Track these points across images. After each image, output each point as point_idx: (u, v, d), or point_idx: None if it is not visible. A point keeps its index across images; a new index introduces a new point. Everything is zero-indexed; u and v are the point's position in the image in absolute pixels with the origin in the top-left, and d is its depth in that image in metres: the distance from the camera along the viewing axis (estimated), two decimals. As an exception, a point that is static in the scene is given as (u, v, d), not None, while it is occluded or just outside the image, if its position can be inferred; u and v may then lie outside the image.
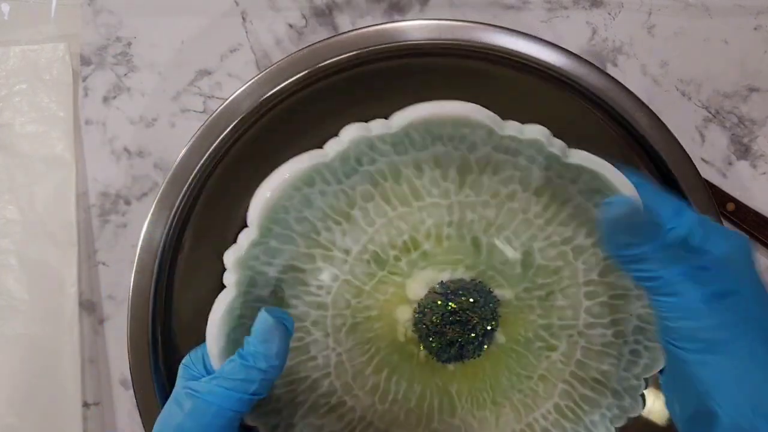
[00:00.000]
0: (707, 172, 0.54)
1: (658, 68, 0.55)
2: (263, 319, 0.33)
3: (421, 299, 0.38)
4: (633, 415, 0.39)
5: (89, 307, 0.53)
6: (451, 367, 0.39)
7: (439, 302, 0.38)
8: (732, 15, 0.56)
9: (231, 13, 0.55)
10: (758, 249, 0.54)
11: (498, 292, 0.39)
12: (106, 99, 0.54)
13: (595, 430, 0.39)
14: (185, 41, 0.55)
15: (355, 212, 0.36)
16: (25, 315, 0.52)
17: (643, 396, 0.38)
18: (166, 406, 0.35)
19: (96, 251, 0.53)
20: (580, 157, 0.33)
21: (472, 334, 0.38)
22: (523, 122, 0.34)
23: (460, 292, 0.38)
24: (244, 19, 0.55)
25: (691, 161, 0.46)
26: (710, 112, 0.55)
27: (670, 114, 0.55)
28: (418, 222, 0.37)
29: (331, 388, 0.38)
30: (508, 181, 0.36)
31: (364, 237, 0.37)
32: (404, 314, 0.39)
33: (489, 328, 0.38)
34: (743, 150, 0.54)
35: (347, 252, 0.37)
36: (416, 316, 0.38)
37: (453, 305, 0.37)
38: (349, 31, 0.47)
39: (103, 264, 0.53)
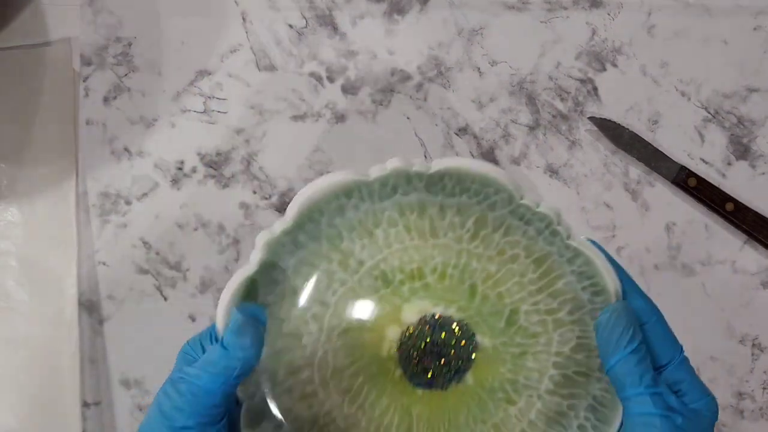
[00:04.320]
0: (706, 172, 0.54)
1: (658, 68, 0.55)
2: (235, 317, 0.38)
3: (412, 324, 0.42)
4: None
5: (89, 307, 0.53)
6: (419, 392, 0.42)
7: (426, 331, 0.42)
8: (732, 15, 0.56)
9: (231, 13, 0.56)
10: (758, 249, 0.54)
11: (479, 338, 0.42)
12: (106, 99, 0.55)
13: None
14: (185, 41, 0.55)
15: (377, 232, 0.41)
16: (24, 316, 0.52)
17: None
18: (162, 389, 0.37)
19: (96, 251, 0.53)
20: (580, 242, 0.40)
21: (446, 368, 0.42)
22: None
23: (447, 327, 0.42)
24: (244, 19, 0.56)
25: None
26: (710, 113, 0.55)
27: (669, 114, 0.55)
28: (429, 257, 0.41)
29: (310, 377, 0.42)
30: (514, 245, 0.41)
31: (379, 256, 0.41)
32: (393, 333, 0.42)
33: (462, 367, 0.42)
34: (742, 150, 0.55)
35: (361, 264, 0.41)
36: (403, 337, 0.42)
37: (437, 337, 0.42)
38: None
39: (103, 264, 0.53)
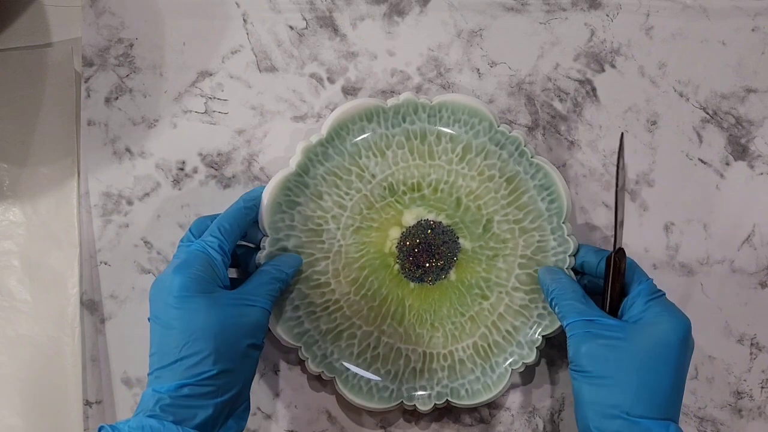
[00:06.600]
0: (705, 173, 0.54)
1: (656, 69, 0.56)
2: (298, 259, 0.50)
3: (410, 226, 0.52)
4: (528, 362, 0.51)
5: (91, 306, 0.53)
6: (412, 285, 0.52)
7: (420, 233, 0.52)
8: (730, 16, 0.56)
9: (232, 15, 0.56)
10: (756, 249, 0.54)
11: (461, 241, 0.53)
12: (108, 100, 0.55)
13: (497, 369, 0.51)
14: (187, 43, 0.55)
15: (388, 152, 0.52)
16: (27, 316, 0.52)
17: (538, 349, 0.51)
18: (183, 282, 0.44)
19: (98, 251, 0.53)
20: (541, 159, 0.51)
21: (435, 266, 0.52)
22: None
23: (437, 230, 0.52)
24: (245, 20, 0.56)
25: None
26: (708, 113, 0.55)
27: (668, 115, 0.55)
28: (426, 174, 0.52)
29: (325, 268, 0.52)
30: (491, 167, 0.52)
31: (388, 171, 0.52)
32: (395, 233, 0.53)
33: (447, 265, 0.52)
34: (741, 150, 0.55)
35: (373, 176, 0.52)
36: (402, 237, 0.52)
37: (429, 238, 0.52)
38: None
39: (105, 264, 0.53)
